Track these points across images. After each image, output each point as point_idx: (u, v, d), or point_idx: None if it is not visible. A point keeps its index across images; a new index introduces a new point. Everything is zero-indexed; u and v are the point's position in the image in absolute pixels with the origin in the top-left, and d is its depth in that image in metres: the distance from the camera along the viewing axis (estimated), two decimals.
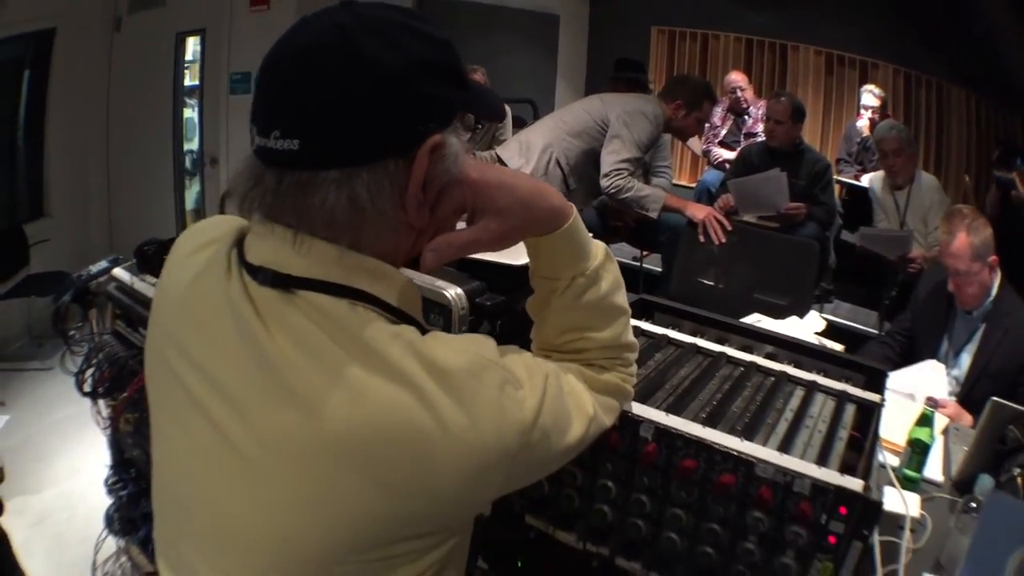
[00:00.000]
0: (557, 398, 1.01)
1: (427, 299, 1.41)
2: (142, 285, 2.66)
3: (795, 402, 1.56)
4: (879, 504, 1.21)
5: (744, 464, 1.26)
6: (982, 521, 1.55)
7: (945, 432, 2.37)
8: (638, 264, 5.41)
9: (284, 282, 0.92)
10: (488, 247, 1.07)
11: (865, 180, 5.87)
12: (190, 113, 6.99)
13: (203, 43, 6.60)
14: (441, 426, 0.86)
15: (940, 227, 3.29)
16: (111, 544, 3.33)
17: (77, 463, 4.54)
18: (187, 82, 6.93)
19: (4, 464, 4.43)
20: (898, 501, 1.76)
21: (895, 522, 1.74)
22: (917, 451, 2.05)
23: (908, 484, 2.01)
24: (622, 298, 1.18)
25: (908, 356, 3.36)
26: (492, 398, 0.91)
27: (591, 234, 1.16)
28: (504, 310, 1.32)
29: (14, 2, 5.63)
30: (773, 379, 1.65)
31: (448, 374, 0.89)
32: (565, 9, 8.11)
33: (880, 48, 6.63)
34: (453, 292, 1.46)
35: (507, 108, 6.17)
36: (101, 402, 2.84)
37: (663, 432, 1.32)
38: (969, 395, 3.03)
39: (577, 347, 1.16)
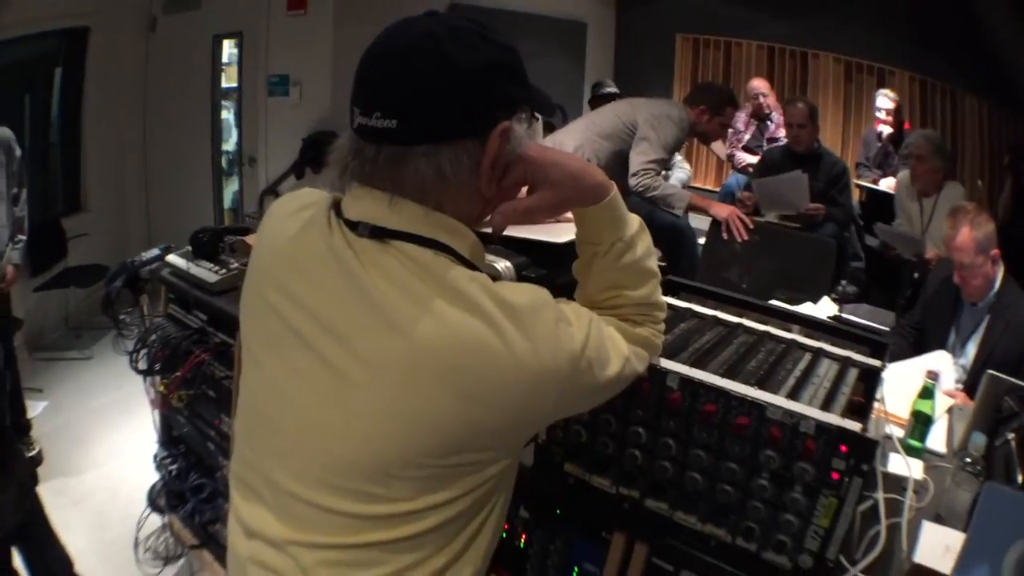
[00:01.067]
0: (599, 337, 1.21)
1: (476, 264, 1.60)
2: (198, 270, 2.82)
3: (803, 364, 1.72)
4: (875, 442, 1.36)
5: (757, 408, 1.43)
6: (979, 513, 1.61)
7: (950, 411, 2.52)
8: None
9: (380, 233, 1.12)
10: (544, 214, 1.28)
11: (886, 184, 5.99)
12: (227, 114, 7.14)
13: (240, 46, 6.74)
14: (508, 348, 1.06)
15: (946, 223, 3.44)
16: (154, 522, 3.47)
17: (117, 447, 4.68)
18: (223, 84, 7.07)
19: (43, 447, 4.59)
20: (902, 465, 1.92)
21: (899, 484, 1.88)
22: (920, 422, 2.20)
23: (912, 452, 2.16)
24: (653, 263, 1.38)
25: (919, 348, 3.50)
26: (549, 330, 1.10)
27: None
28: (545, 282, 1.49)
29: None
30: (784, 345, 1.82)
31: (514, 308, 1.08)
32: (592, 17, 8.24)
33: (896, 56, 6.75)
34: (503, 264, 1.63)
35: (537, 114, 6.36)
36: (151, 382, 3.01)
37: (687, 381, 1.49)
38: (975, 383, 3.15)
39: (615, 303, 1.35)
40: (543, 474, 1.74)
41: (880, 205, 5.79)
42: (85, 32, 6.50)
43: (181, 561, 3.50)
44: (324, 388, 1.12)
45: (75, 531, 3.86)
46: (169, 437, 3.19)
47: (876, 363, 1.77)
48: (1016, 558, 1.54)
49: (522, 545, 1.85)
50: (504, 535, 1.87)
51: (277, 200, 1.34)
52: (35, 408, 5.04)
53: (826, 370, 1.73)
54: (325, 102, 6.16)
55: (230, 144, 7.22)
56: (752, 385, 1.50)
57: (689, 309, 1.95)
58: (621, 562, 1.68)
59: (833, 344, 1.87)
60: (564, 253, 1.47)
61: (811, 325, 1.97)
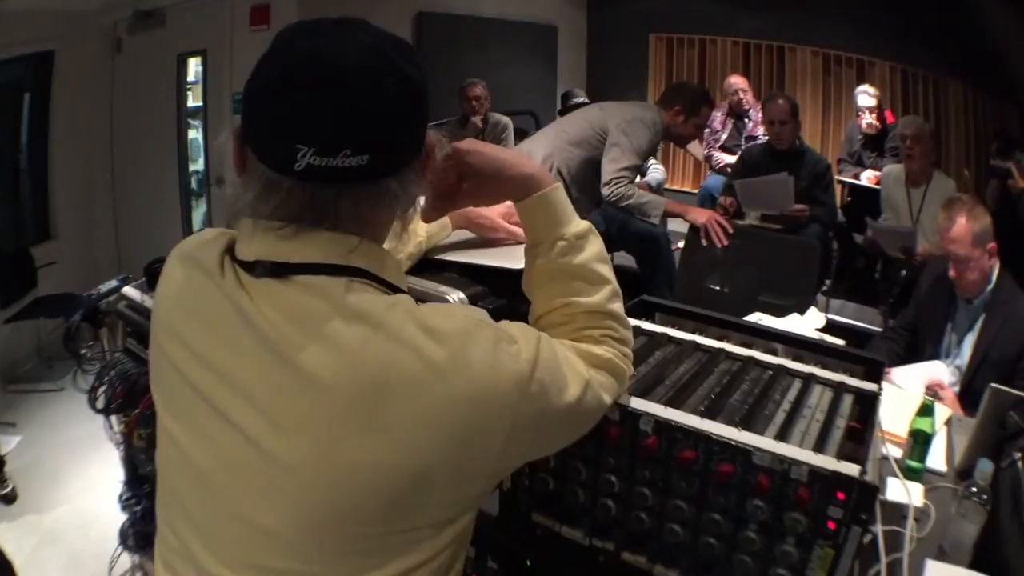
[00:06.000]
0: (551, 358, 1.07)
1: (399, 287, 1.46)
2: (152, 303, 2.70)
3: (792, 393, 1.59)
4: (876, 488, 1.23)
5: (741, 453, 1.29)
6: None
7: (948, 423, 2.39)
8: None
9: (281, 270, 0.97)
10: (467, 202, 1.28)
11: (866, 177, 5.91)
12: (194, 134, 7.01)
13: (205, 64, 6.63)
14: (437, 375, 0.93)
15: (940, 215, 3.34)
16: (126, 560, 3.38)
17: (90, 481, 4.58)
18: (190, 103, 6.95)
19: (17, 483, 4.55)
20: (901, 491, 1.78)
21: (899, 512, 1.76)
22: (919, 441, 2.07)
23: (912, 474, 2.03)
24: (607, 271, 1.27)
25: (912, 350, 3.42)
26: (486, 351, 0.98)
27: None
28: (506, 313, 1.36)
29: (10, 25, 5.66)
30: (771, 372, 1.68)
31: (444, 334, 0.95)
32: (563, 19, 8.17)
33: (876, 46, 6.71)
34: (456, 296, 1.50)
35: (508, 120, 6.24)
36: (114, 419, 2.88)
37: (662, 425, 1.35)
38: (970, 384, 3.09)
39: (567, 312, 1.24)
40: (509, 524, 1.60)
41: (863, 201, 5.67)
42: (51, 56, 6.39)
43: None
44: (239, 460, 0.97)
45: (50, 573, 3.84)
46: (133, 476, 3.06)
47: (873, 387, 1.63)
48: None
49: None
50: None
51: (177, 246, 1.17)
52: (9, 443, 4.96)
53: (818, 399, 1.60)
54: None
55: (198, 164, 7.07)
56: (736, 425, 1.35)
57: (665, 334, 1.82)
58: None
59: (824, 365, 1.75)
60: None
61: (801, 346, 1.85)
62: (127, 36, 6.83)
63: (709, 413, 1.40)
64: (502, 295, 1.66)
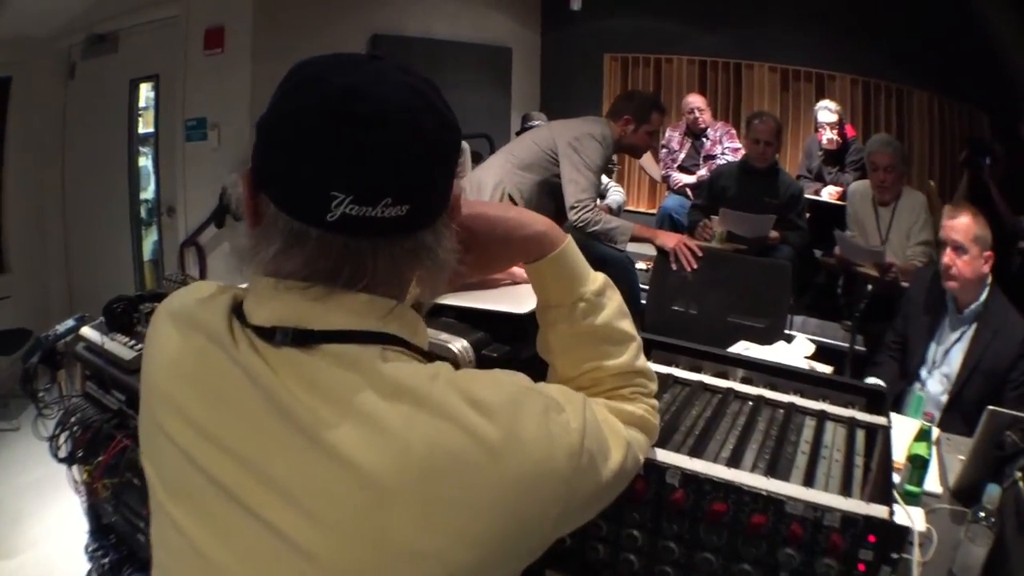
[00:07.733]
0: (595, 425, 1.01)
1: (434, 353, 1.41)
2: (113, 345, 2.60)
3: (808, 433, 1.58)
4: (906, 528, 1.27)
5: (774, 503, 1.27)
6: None
7: (937, 443, 2.39)
8: None
9: (305, 339, 0.88)
10: (475, 273, 1.11)
11: (827, 193, 5.94)
12: (145, 161, 6.86)
13: (157, 89, 6.50)
14: (491, 457, 0.86)
15: (945, 214, 3.40)
16: None
17: (52, 526, 4.45)
18: (141, 129, 6.79)
19: None
20: (904, 517, 1.78)
21: (904, 538, 1.76)
22: (917, 466, 2.06)
23: (911, 499, 2.03)
24: (629, 325, 1.21)
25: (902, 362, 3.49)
26: (538, 424, 0.91)
27: None
28: (509, 360, 1.32)
29: None
30: (783, 411, 1.67)
31: (492, 408, 0.88)
32: (517, 41, 8.12)
33: (836, 60, 6.74)
34: (459, 345, 1.46)
35: (466, 144, 6.19)
36: (75, 468, 2.78)
37: (690, 477, 1.32)
38: (960, 393, 3.13)
39: (595, 377, 1.18)
40: None
41: (826, 218, 5.68)
42: (8, 83, 6.26)
43: None
44: (264, 555, 0.86)
45: None
46: (98, 526, 2.96)
47: (883, 420, 1.64)
48: None
49: None
50: None
51: (165, 301, 1.06)
52: None
53: (833, 437, 1.59)
54: (244, 144, 5.88)
55: (148, 192, 6.92)
56: (763, 472, 1.34)
57: (671, 375, 1.80)
58: None
59: (825, 397, 1.76)
60: (527, 324, 1.30)
61: (806, 381, 1.84)
62: (80, 61, 6.71)
63: (732, 461, 1.39)
64: (504, 340, 1.62)
